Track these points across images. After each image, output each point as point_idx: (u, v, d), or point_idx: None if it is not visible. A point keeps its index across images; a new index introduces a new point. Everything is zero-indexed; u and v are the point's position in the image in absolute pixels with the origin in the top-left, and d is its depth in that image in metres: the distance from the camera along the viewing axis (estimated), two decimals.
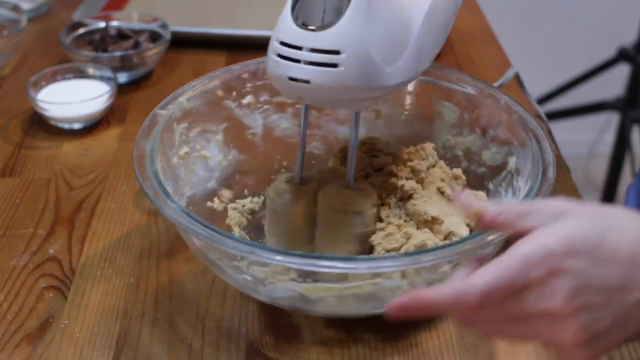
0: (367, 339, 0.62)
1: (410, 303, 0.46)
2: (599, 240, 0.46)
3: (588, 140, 2.17)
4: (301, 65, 0.54)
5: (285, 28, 0.55)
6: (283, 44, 0.55)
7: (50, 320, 0.64)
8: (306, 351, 0.61)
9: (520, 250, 0.46)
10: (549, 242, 0.46)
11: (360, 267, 0.54)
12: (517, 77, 0.94)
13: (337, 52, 0.53)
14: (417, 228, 0.64)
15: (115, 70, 0.96)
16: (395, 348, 0.62)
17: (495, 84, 0.91)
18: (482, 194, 0.69)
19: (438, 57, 1.08)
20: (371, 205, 0.63)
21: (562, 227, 0.46)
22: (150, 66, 1.01)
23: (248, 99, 0.74)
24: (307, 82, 0.54)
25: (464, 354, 0.61)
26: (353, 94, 0.56)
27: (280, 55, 0.55)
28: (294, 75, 0.55)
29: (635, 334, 0.47)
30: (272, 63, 0.56)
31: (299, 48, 0.54)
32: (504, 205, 0.51)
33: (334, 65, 0.53)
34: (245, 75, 0.73)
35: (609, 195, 1.95)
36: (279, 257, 0.53)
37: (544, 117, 0.93)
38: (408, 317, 0.47)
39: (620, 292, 0.46)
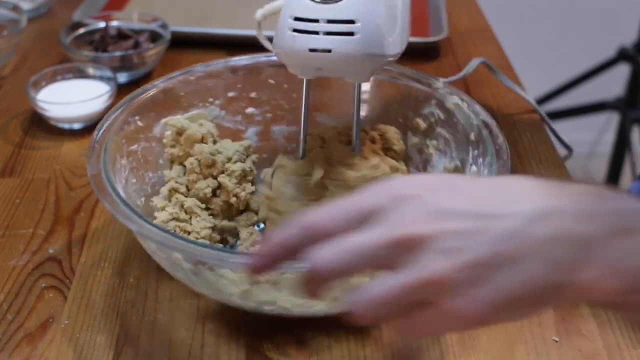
0: (367, 338, 0.62)
1: (264, 249, 0.43)
2: (455, 178, 0.43)
3: (588, 140, 2.17)
4: (320, 36, 0.59)
5: (298, 4, 0.59)
6: (298, 19, 0.59)
7: (50, 320, 0.64)
8: (306, 351, 0.61)
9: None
10: (394, 179, 0.42)
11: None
12: (486, 65, 0.93)
13: (352, 22, 0.58)
14: None
15: (115, 70, 0.96)
16: (396, 347, 0.62)
17: (459, 75, 0.91)
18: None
19: (438, 57, 1.08)
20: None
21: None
22: (150, 66, 1.01)
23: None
24: (329, 51, 0.59)
25: (463, 356, 0.61)
26: (365, 61, 0.60)
27: (296, 30, 0.59)
28: (314, 46, 0.59)
29: (539, 280, 0.39)
30: (289, 39, 0.60)
31: (315, 21, 0.59)
32: None
33: (351, 34, 0.58)
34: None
35: None
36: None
37: (536, 107, 0.93)
38: (271, 266, 0.43)
39: (489, 219, 0.40)
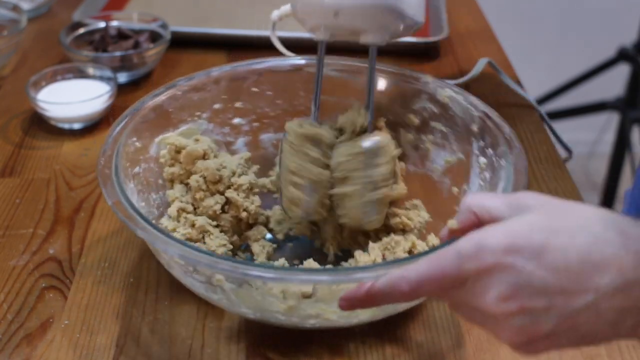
0: (367, 338, 0.62)
1: (355, 295, 0.49)
2: (545, 241, 0.43)
3: (588, 140, 2.17)
4: None
5: None
6: None
7: (50, 320, 0.64)
8: (306, 351, 0.61)
9: (459, 243, 0.45)
10: (487, 237, 0.44)
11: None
12: (491, 65, 0.93)
13: None
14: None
15: (115, 70, 0.96)
16: (396, 347, 0.62)
17: (468, 76, 0.91)
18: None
19: (438, 57, 1.08)
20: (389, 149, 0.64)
21: (511, 223, 0.45)
22: (150, 66, 1.01)
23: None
24: None
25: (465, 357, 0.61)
26: (380, 11, 0.61)
27: None
28: None
29: (598, 337, 0.45)
30: None
31: None
32: (477, 199, 0.50)
33: None
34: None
35: (609, 195, 1.95)
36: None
37: (533, 103, 0.93)
38: (357, 307, 0.50)
39: (565, 295, 0.43)
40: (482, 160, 0.66)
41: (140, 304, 0.65)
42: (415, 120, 0.73)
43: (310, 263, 0.65)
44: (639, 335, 0.45)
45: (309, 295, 0.58)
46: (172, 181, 0.69)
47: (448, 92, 0.70)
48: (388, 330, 0.63)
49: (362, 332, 0.63)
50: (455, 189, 0.69)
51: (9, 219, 0.75)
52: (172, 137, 0.69)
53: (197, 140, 0.69)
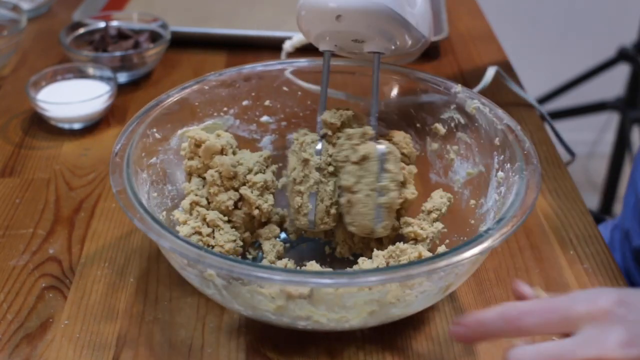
0: (368, 344, 0.62)
1: (464, 322, 0.50)
2: None
3: (588, 140, 2.17)
4: None
5: None
6: None
7: (50, 320, 0.64)
8: (306, 352, 0.61)
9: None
10: (599, 289, 0.48)
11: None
12: (498, 74, 0.93)
13: None
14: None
15: (115, 70, 0.96)
16: (397, 356, 0.62)
17: (476, 89, 0.91)
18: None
19: (438, 57, 1.08)
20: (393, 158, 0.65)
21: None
22: (150, 66, 1.01)
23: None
24: None
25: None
26: (382, 18, 0.61)
27: None
28: None
29: None
30: None
31: None
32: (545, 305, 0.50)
33: None
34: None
35: (609, 195, 1.95)
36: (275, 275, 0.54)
37: (541, 111, 0.93)
38: (467, 337, 0.51)
39: None
40: (500, 174, 0.65)
41: (140, 304, 0.65)
42: (442, 129, 0.72)
43: (313, 265, 0.65)
44: None
45: (297, 297, 0.58)
46: (190, 174, 0.69)
47: (476, 103, 0.69)
48: (390, 339, 0.63)
49: (363, 337, 0.62)
50: (472, 202, 0.68)
51: (9, 219, 0.75)
52: (194, 130, 0.69)
53: (218, 135, 0.69)
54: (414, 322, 0.64)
